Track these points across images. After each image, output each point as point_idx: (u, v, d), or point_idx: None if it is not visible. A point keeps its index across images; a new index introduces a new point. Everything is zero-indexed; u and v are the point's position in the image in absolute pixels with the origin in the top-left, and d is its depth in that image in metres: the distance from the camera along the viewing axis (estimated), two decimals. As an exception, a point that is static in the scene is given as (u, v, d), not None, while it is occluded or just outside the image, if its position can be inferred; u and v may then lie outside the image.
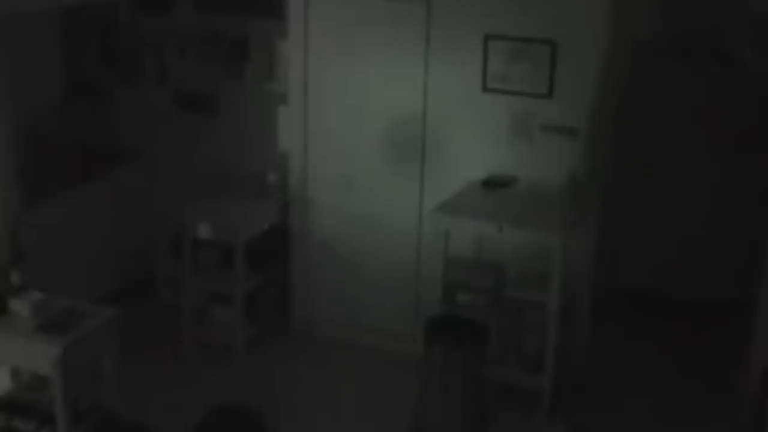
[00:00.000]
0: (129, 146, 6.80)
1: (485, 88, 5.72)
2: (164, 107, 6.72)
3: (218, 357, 6.12)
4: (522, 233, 5.25)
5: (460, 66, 5.73)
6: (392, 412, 5.57)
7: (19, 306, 4.66)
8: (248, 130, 6.55)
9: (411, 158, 5.99)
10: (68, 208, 6.12)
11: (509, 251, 5.69)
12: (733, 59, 6.54)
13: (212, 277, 6.13)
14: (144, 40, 6.63)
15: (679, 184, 6.81)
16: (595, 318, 6.00)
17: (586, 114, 5.55)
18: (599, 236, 5.83)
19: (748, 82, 6.51)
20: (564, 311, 5.33)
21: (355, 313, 6.36)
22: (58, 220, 6.01)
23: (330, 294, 6.41)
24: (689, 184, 6.79)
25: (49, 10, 6.21)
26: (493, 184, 5.70)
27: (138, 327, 6.19)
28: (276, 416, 5.34)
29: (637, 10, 6.22)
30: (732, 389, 5.68)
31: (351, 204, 6.20)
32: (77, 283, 5.83)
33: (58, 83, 6.69)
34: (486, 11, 5.62)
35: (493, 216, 5.31)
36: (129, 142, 6.81)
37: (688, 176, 6.78)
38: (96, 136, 6.79)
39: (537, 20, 5.53)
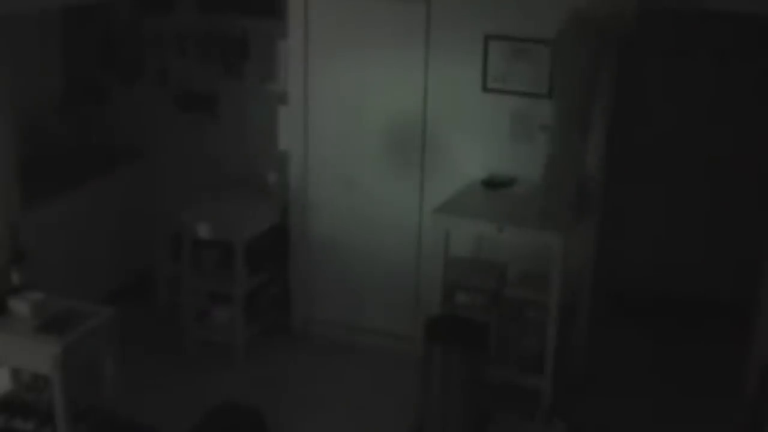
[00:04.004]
0: (129, 146, 6.80)
1: (485, 88, 5.72)
2: (164, 107, 6.72)
3: (218, 357, 6.12)
4: (522, 233, 5.25)
5: (460, 66, 5.73)
6: (392, 412, 5.57)
7: (19, 306, 4.66)
8: (248, 130, 6.55)
9: (411, 158, 5.99)
10: (68, 208, 6.12)
11: (509, 251, 5.69)
12: (733, 59, 6.55)
13: (212, 277, 6.13)
14: (144, 40, 6.63)
15: (679, 184, 6.81)
16: (595, 318, 6.00)
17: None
18: (599, 236, 5.82)
19: (748, 81, 6.52)
20: (564, 311, 5.32)
21: (355, 312, 6.36)
22: (58, 220, 6.01)
23: (330, 294, 6.41)
24: (689, 184, 6.79)
25: (49, 10, 6.21)
26: (493, 184, 5.70)
27: (138, 327, 6.20)
28: (276, 416, 5.34)
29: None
30: (731, 389, 5.68)
31: (351, 204, 6.20)
32: (77, 283, 5.83)
33: (58, 83, 6.69)
34: (486, 11, 5.62)
35: (493, 216, 5.31)
36: (129, 142, 6.81)
37: (688, 177, 6.78)
38: (96, 136, 6.79)
39: (537, 20, 5.52)
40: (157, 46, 6.61)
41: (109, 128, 6.85)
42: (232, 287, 6.02)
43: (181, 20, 6.51)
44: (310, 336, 6.47)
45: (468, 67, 5.72)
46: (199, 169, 6.71)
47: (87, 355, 4.72)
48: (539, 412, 5.36)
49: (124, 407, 4.95)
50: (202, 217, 6.01)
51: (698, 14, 5.95)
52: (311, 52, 6.06)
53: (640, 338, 6.53)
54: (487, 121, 5.77)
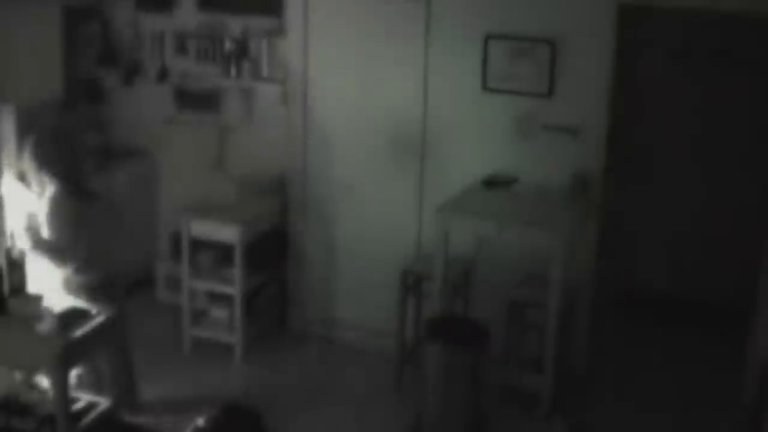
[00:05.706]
0: (128, 145, 6.79)
1: (485, 88, 5.72)
2: (163, 106, 6.71)
3: (218, 357, 6.12)
4: (523, 233, 5.24)
5: (460, 66, 5.73)
6: (392, 412, 5.56)
7: (19, 306, 4.65)
8: (248, 129, 6.54)
9: (411, 158, 5.99)
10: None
11: (510, 251, 5.68)
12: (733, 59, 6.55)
13: (211, 277, 6.12)
14: (144, 39, 6.62)
15: (679, 184, 6.81)
16: (595, 318, 6.00)
17: (588, 113, 5.55)
18: (600, 237, 5.82)
19: (748, 81, 6.52)
20: (564, 311, 5.32)
21: (354, 313, 6.35)
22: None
23: (329, 294, 6.41)
24: (689, 184, 6.79)
25: (49, 3, 6.21)
26: (493, 183, 5.69)
27: (137, 326, 6.18)
28: (275, 416, 5.33)
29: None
30: (731, 390, 5.68)
31: (350, 204, 6.20)
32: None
33: (58, 83, 6.67)
34: (486, 11, 5.62)
35: (494, 215, 5.31)
36: (128, 141, 6.80)
37: (688, 177, 6.79)
38: (96, 136, 6.77)
39: (537, 19, 5.52)
40: (156, 45, 6.59)
41: (108, 127, 6.84)
42: (231, 287, 6.01)
43: (181, 19, 6.50)
44: (308, 336, 6.47)
45: (468, 67, 5.72)
46: (198, 169, 6.70)
47: (87, 355, 4.72)
48: (539, 412, 5.36)
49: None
50: (201, 217, 6.00)
51: (698, 14, 5.96)
52: (311, 52, 6.05)
53: (640, 338, 6.53)
54: (487, 121, 5.76)
